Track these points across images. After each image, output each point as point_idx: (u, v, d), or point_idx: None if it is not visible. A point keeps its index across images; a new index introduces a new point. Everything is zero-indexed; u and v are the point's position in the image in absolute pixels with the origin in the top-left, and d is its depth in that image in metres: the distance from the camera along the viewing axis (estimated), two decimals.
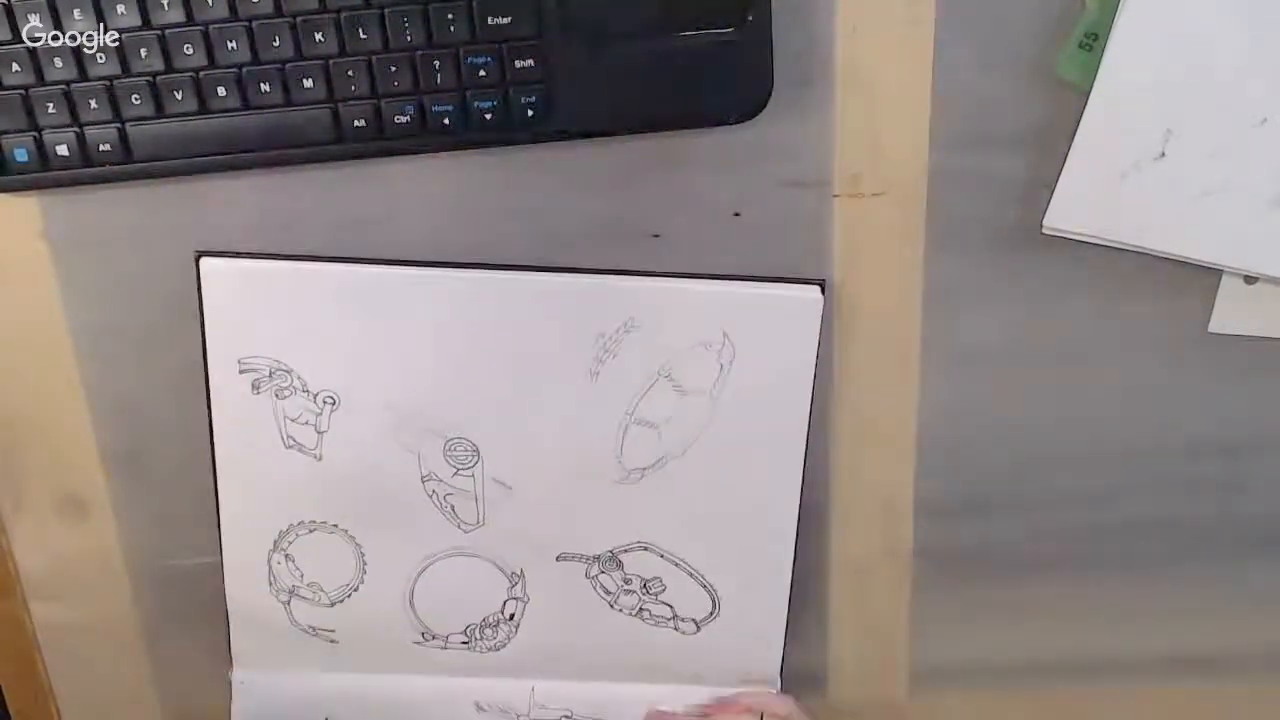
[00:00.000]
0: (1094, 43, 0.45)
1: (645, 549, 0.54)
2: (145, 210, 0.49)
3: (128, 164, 0.47)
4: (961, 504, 0.53)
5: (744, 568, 0.54)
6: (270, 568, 0.56)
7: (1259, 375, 0.51)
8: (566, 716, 0.58)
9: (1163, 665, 0.57)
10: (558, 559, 0.54)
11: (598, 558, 0.54)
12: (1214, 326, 0.50)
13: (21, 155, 0.47)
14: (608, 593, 0.55)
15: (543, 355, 0.50)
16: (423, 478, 0.53)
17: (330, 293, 0.50)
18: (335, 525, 0.55)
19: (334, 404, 0.52)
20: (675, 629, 0.55)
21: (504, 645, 0.57)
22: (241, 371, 0.51)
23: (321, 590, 0.56)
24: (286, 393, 0.52)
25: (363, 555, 0.55)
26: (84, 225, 0.50)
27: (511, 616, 0.56)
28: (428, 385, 0.51)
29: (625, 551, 0.54)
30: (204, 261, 0.50)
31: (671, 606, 0.55)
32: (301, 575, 0.56)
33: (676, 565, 0.54)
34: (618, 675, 0.57)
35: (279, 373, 0.51)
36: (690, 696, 0.57)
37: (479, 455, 0.52)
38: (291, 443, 0.53)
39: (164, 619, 0.57)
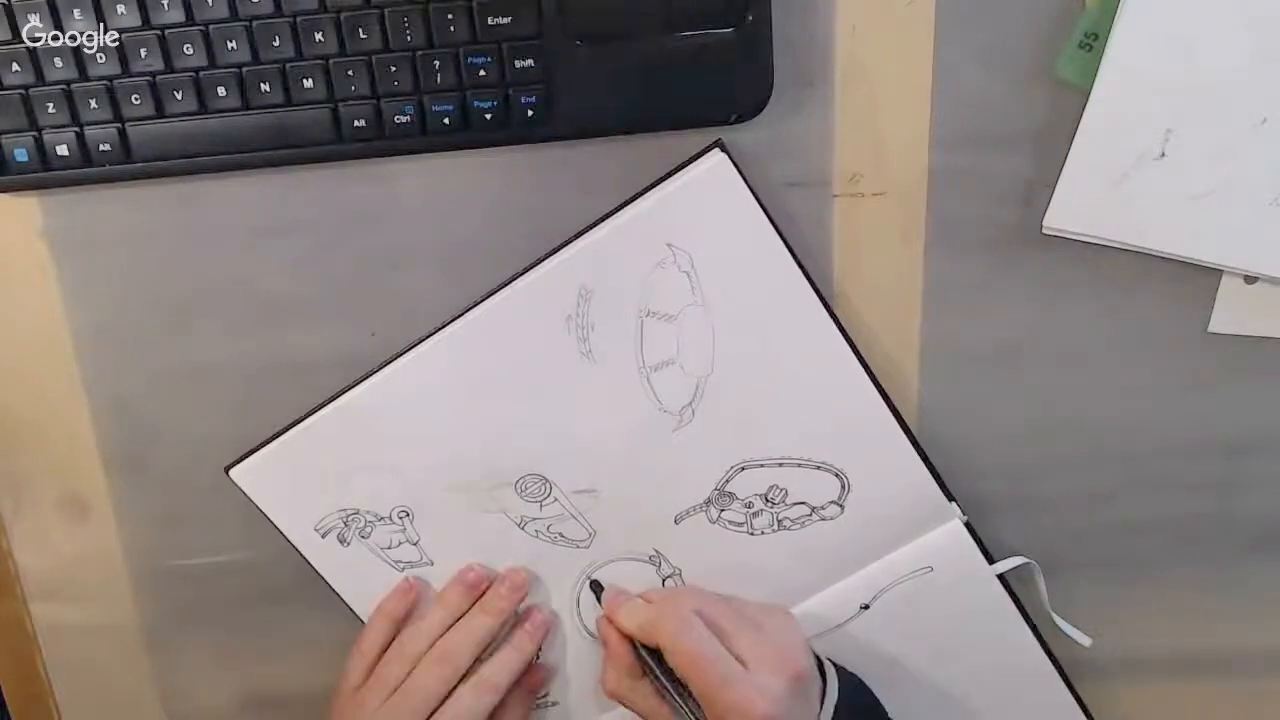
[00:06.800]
0: (1094, 43, 0.45)
1: (743, 468, 0.52)
2: (145, 210, 0.49)
3: (128, 164, 0.47)
4: (961, 504, 0.53)
5: (841, 428, 0.52)
6: None
7: (1259, 375, 0.51)
8: None
9: (1162, 665, 0.57)
10: (676, 522, 0.54)
11: (708, 500, 0.53)
12: (1214, 326, 0.50)
13: (21, 155, 0.47)
14: (739, 524, 0.54)
15: (536, 365, 0.51)
16: (520, 526, 0.54)
17: (342, 428, 0.52)
18: None
19: (408, 514, 0.54)
20: (822, 519, 0.53)
21: None
22: (323, 536, 0.54)
23: None
24: (368, 530, 0.54)
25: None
26: (84, 225, 0.50)
27: None
28: (465, 450, 0.52)
29: (728, 481, 0.53)
30: (234, 472, 0.53)
31: (804, 502, 0.53)
32: None
33: (781, 465, 0.52)
34: (813, 586, 0.54)
35: (350, 518, 0.54)
36: (894, 566, 0.53)
37: (548, 480, 0.53)
38: (402, 565, 0.55)
39: (164, 619, 0.57)
